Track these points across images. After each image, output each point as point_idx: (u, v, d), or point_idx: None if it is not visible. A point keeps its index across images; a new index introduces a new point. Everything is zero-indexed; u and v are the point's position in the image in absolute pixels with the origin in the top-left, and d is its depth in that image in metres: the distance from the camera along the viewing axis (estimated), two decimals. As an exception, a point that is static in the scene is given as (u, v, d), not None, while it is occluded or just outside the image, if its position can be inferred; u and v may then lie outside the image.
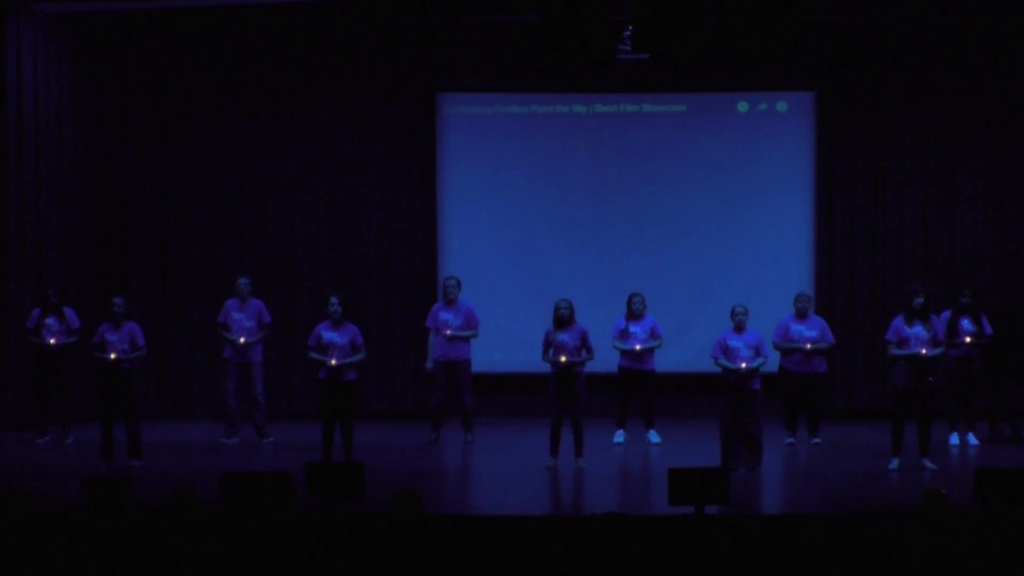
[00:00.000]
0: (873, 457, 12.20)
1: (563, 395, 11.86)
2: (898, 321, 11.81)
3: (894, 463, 11.72)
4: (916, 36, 15.40)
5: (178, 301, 15.83)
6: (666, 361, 14.32)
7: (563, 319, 11.84)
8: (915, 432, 11.68)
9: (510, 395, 15.54)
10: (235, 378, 13.61)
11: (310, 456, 11.72)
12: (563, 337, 11.83)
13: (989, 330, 13.21)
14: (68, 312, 13.66)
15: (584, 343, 11.85)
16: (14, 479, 10.29)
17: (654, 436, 13.55)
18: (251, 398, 13.61)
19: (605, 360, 13.10)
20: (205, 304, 15.58)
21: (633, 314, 13.40)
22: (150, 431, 13.04)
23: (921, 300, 11.70)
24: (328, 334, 12.08)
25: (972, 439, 13.26)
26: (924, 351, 11.61)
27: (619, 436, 13.53)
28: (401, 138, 15.78)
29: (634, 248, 15.77)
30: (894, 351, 11.75)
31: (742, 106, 15.78)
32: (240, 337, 13.46)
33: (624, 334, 13.36)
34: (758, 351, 11.73)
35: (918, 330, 11.68)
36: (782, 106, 15.77)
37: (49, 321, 13.50)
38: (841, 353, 15.12)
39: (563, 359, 11.76)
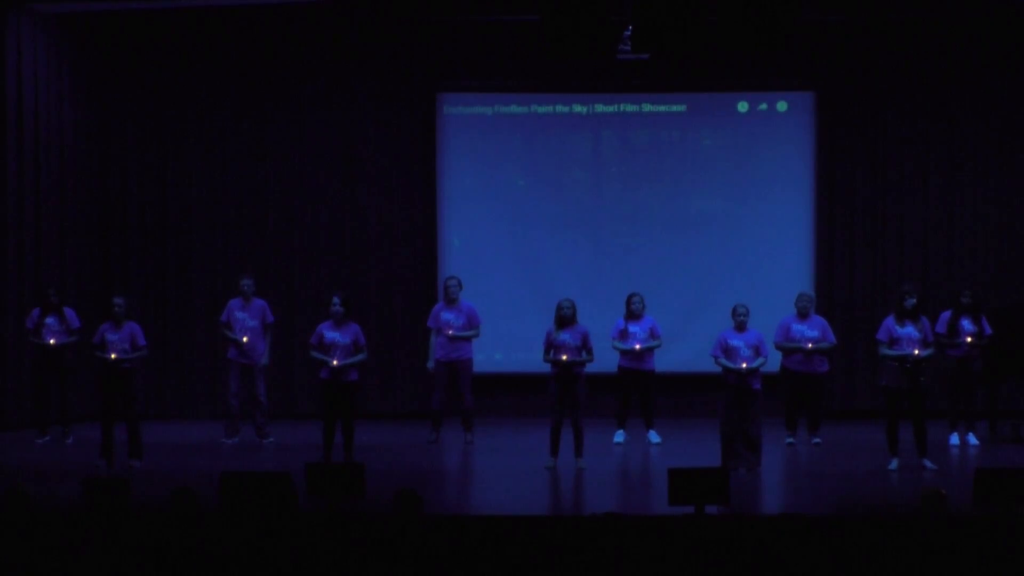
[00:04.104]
0: (873, 457, 12.19)
1: (563, 396, 11.86)
2: (889, 321, 11.82)
3: (894, 463, 11.72)
4: (916, 36, 15.40)
5: (178, 301, 15.84)
6: (666, 361, 14.33)
7: (565, 319, 11.84)
8: (910, 432, 11.67)
9: (510, 395, 15.54)
10: (237, 378, 13.62)
11: (310, 456, 11.73)
12: (564, 337, 11.83)
13: (989, 330, 13.22)
14: (68, 312, 13.66)
15: (585, 344, 11.85)
16: (14, 479, 10.29)
17: (654, 436, 13.55)
18: (253, 398, 13.61)
19: (605, 360, 13.09)
20: (205, 304, 15.60)
21: (632, 314, 13.40)
22: (150, 431, 13.04)
23: (913, 301, 11.70)
24: (330, 334, 12.07)
25: (972, 439, 13.26)
26: (916, 351, 11.62)
27: (619, 436, 13.53)
28: (401, 138, 15.78)
29: (634, 248, 15.77)
30: (885, 351, 11.76)
31: (742, 106, 15.78)
32: (243, 336, 13.46)
33: (624, 334, 13.36)
34: (758, 351, 11.73)
35: (909, 330, 11.69)
36: (782, 106, 15.77)
37: (49, 321, 13.50)
38: (841, 353, 15.12)
39: (564, 357, 11.76)
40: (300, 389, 15.54)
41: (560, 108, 15.89)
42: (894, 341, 11.71)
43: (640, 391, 13.51)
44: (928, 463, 11.69)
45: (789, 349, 13.14)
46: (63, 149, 15.16)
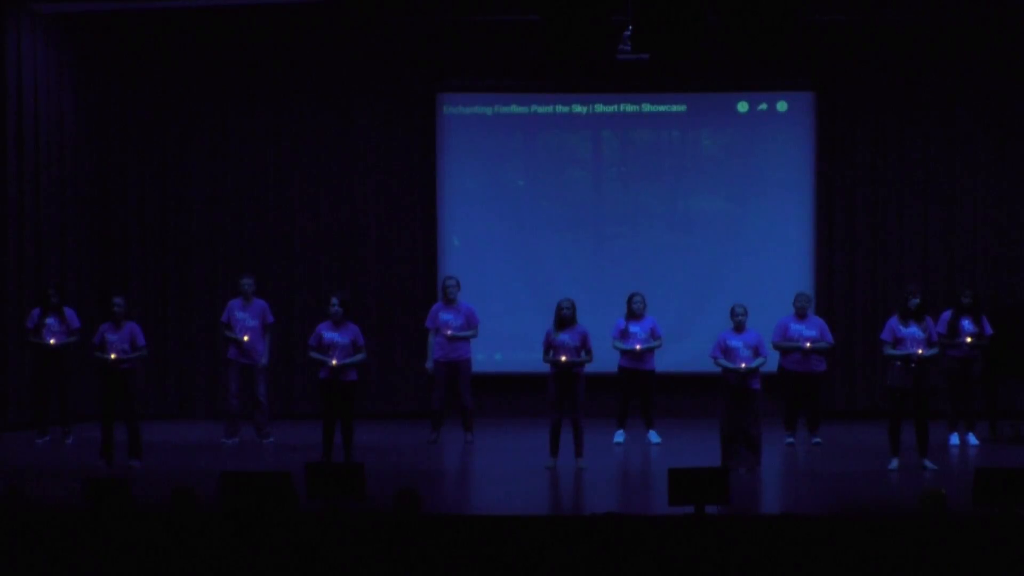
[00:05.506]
0: (873, 457, 12.20)
1: (563, 396, 11.86)
2: (893, 321, 11.82)
3: (894, 463, 11.72)
4: (916, 36, 15.40)
5: (178, 301, 15.83)
6: (666, 361, 14.33)
7: (565, 319, 11.84)
8: (912, 432, 11.68)
9: (510, 395, 15.54)
10: (237, 378, 13.62)
11: (310, 456, 11.74)
12: (564, 337, 11.83)
13: (989, 330, 13.22)
14: (68, 312, 13.66)
15: (584, 344, 11.85)
16: (14, 479, 10.29)
17: (654, 436, 13.55)
18: (253, 398, 13.62)
19: (605, 360, 13.10)
20: (205, 304, 15.61)
21: (633, 314, 13.40)
22: (150, 431, 13.04)
23: (917, 301, 11.71)
24: (329, 334, 12.08)
25: (972, 439, 13.26)
26: (920, 351, 11.62)
27: (619, 436, 13.53)
28: (401, 138, 15.78)
29: (634, 248, 15.77)
30: (889, 351, 11.76)
31: (742, 106, 15.78)
32: (244, 336, 13.46)
33: (624, 334, 13.36)
34: (758, 351, 11.73)
35: (913, 330, 11.69)
36: (782, 106, 15.77)
37: (49, 321, 13.50)
38: (841, 353, 15.12)
39: (563, 358, 11.76)
40: (300, 389, 15.54)
41: (560, 108, 15.89)
42: (898, 341, 11.71)
43: (640, 391, 13.50)
44: (928, 463, 11.69)
45: (787, 349, 13.14)
46: (63, 149, 15.15)
